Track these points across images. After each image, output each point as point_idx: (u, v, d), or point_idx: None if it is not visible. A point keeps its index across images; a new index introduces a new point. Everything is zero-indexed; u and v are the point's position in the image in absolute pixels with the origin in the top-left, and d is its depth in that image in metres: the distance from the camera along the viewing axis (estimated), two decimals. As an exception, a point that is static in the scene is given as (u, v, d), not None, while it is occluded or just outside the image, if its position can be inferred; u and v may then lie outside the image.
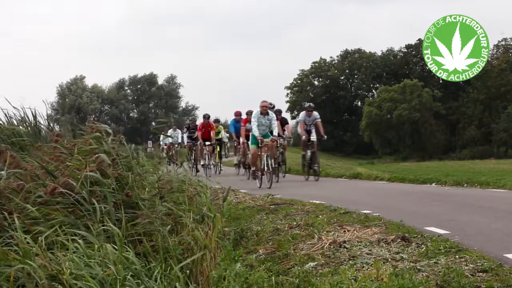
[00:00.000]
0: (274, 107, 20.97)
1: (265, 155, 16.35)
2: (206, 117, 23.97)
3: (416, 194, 13.10)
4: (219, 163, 24.65)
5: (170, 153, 29.91)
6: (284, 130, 20.11)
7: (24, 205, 5.89)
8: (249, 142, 17.59)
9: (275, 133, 16.96)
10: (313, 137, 19.22)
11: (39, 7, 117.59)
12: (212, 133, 23.72)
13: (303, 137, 19.25)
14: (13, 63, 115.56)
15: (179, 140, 30.35)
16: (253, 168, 17.05)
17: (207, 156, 23.33)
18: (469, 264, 5.98)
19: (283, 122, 20.34)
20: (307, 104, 20.56)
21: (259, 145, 16.61)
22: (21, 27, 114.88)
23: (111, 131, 7.54)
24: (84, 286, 4.81)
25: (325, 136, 19.42)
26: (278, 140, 17.93)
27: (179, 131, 30.96)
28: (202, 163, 23.47)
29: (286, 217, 9.80)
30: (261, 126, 16.75)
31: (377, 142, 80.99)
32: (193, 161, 23.83)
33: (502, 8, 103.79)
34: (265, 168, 16.31)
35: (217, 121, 26.06)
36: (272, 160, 16.50)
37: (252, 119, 16.90)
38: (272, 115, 16.97)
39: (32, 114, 9.52)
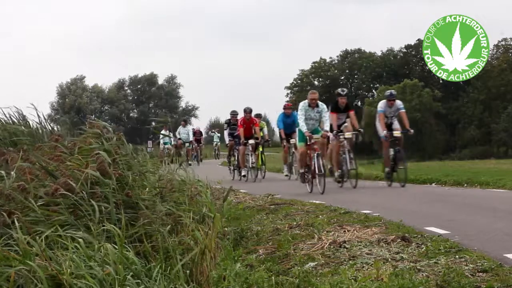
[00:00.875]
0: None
1: (315, 155, 14.17)
2: (248, 111, 20.59)
3: (416, 194, 13.10)
4: (262, 166, 21.41)
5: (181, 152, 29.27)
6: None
7: (28, 203, 5.89)
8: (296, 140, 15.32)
9: (327, 127, 14.72)
10: (397, 131, 15.54)
11: (39, 7, 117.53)
12: (256, 130, 20.56)
13: (384, 132, 15.47)
14: (13, 63, 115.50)
15: (191, 138, 30.06)
16: (301, 170, 14.87)
17: (250, 156, 20.06)
18: (469, 264, 5.98)
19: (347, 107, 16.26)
20: (387, 92, 16.20)
21: (308, 143, 14.43)
22: (21, 27, 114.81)
23: (111, 129, 7.54)
24: (84, 286, 4.81)
25: (412, 130, 15.43)
26: (343, 136, 15.37)
27: (189, 128, 30.48)
28: (245, 165, 20.15)
29: (286, 217, 9.81)
30: (310, 120, 14.67)
31: (377, 142, 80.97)
32: (236, 162, 20.87)
33: (502, 8, 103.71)
34: (316, 170, 14.12)
35: (259, 116, 22.34)
36: (324, 160, 14.36)
37: (299, 113, 14.69)
38: (322, 106, 14.77)
39: (37, 114, 9.50)
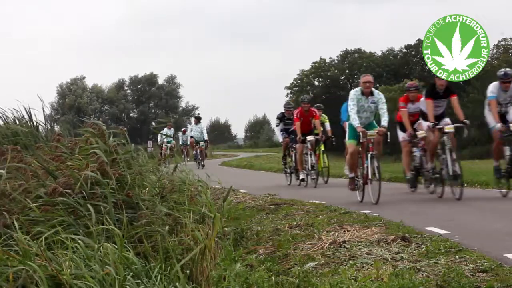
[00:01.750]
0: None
1: (369, 155, 11.59)
2: (306, 100, 17.08)
3: (416, 194, 13.09)
4: (325, 168, 17.92)
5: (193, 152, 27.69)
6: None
7: (26, 203, 5.89)
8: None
9: (384, 121, 11.63)
10: None
11: (39, 7, 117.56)
12: (316, 124, 16.96)
13: (498, 125, 11.80)
14: (13, 63, 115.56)
15: (205, 137, 27.66)
16: (351, 174, 12.03)
17: (309, 156, 16.42)
18: (469, 264, 5.98)
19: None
20: (501, 71, 11.85)
21: (360, 140, 11.70)
22: (21, 27, 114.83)
23: (110, 132, 7.53)
24: (84, 286, 4.81)
25: None
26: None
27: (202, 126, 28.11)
28: (303, 167, 16.64)
29: (286, 217, 9.81)
30: (363, 112, 11.83)
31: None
32: (293, 164, 17.40)
33: (502, 8, 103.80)
34: (369, 174, 11.45)
35: (319, 107, 18.37)
36: (379, 162, 11.71)
37: (349, 103, 11.82)
38: (379, 95, 11.87)
39: (43, 109, 9.49)
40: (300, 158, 16.59)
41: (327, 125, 18.29)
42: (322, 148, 17.81)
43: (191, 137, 28.15)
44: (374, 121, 12.03)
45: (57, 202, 6.07)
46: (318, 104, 18.79)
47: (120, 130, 7.51)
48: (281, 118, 17.88)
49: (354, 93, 11.84)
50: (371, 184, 11.43)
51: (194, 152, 27.99)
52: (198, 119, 29.09)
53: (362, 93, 11.82)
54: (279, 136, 18.16)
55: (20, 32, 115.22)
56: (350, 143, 11.94)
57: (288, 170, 17.92)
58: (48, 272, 4.86)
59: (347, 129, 11.94)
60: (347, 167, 13.77)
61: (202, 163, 27.40)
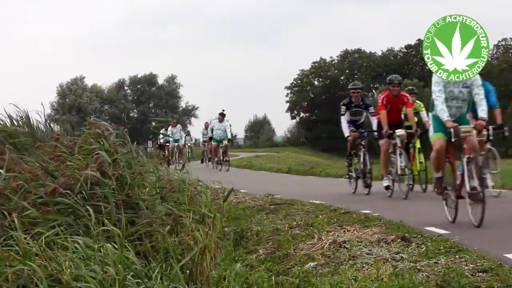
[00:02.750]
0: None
1: (464, 159, 8.53)
2: (396, 82, 12.87)
3: (416, 194, 13.09)
4: (421, 172, 13.64)
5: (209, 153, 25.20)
6: None
7: (24, 204, 5.89)
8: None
9: (482, 112, 8.73)
10: None
11: (39, 7, 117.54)
12: (408, 114, 12.90)
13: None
14: (13, 63, 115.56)
15: (229, 135, 24.67)
16: (438, 175, 8.91)
17: (399, 157, 12.41)
18: (469, 264, 5.98)
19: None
20: None
21: (452, 138, 8.62)
22: (21, 27, 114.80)
23: (112, 129, 7.54)
24: (84, 286, 4.81)
25: None
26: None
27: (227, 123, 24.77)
28: (388, 170, 12.69)
29: (286, 217, 9.81)
30: (453, 100, 8.90)
31: (377, 142, 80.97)
32: (361, 167, 13.52)
33: (502, 8, 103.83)
34: (467, 186, 8.36)
35: (411, 91, 14.01)
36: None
37: (434, 88, 8.71)
38: (475, 77, 8.84)
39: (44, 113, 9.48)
40: (385, 158, 12.85)
41: (423, 115, 13.79)
42: (418, 145, 13.52)
43: (211, 137, 24.87)
44: (466, 115, 9.17)
45: (57, 202, 6.07)
46: (410, 87, 14.52)
47: (121, 132, 7.51)
48: (347, 104, 13.85)
49: (438, 78, 8.83)
50: (470, 199, 8.30)
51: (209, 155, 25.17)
52: (222, 116, 25.04)
53: None
54: (345, 129, 13.76)
55: (20, 32, 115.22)
56: (434, 138, 8.84)
57: (354, 174, 13.85)
58: (48, 272, 4.86)
59: (430, 122, 9.08)
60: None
61: (227, 167, 24.23)
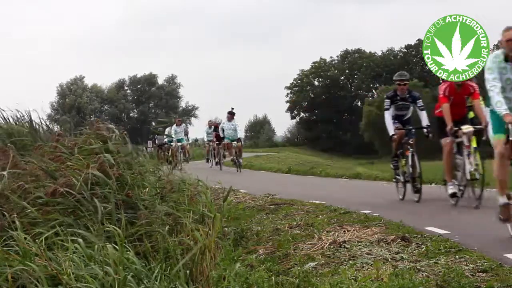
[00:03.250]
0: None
1: None
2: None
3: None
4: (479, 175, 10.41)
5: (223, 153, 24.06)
6: None
7: (24, 204, 5.89)
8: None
9: None
10: None
11: (39, 7, 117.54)
12: (475, 106, 10.74)
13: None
14: (12, 63, 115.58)
15: (239, 135, 23.68)
16: (502, 199, 7.34)
17: (467, 158, 10.44)
18: (469, 264, 5.98)
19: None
20: None
21: (510, 137, 7.11)
22: (21, 27, 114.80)
23: (115, 129, 7.54)
24: (84, 286, 4.81)
25: None
26: None
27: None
28: (453, 175, 10.87)
29: (286, 217, 9.81)
30: None
31: (377, 142, 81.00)
32: (409, 170, 11.70)
33: (502, 8, 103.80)
34: None
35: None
36: None
37: (488, 76, 7.25)
38: None
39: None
40: (449, 160, 10.98)
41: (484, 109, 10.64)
42: (474, 144, 10.71)
43: (223, 137, 23.82)
44: None
45: (58, 202, 6.07)
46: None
47: (121, 134, 7.51)
48: (393, 97, 12.15)
49: (493, 60, 7.41)
50: None
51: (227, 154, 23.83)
52: (232, 115, 23.77)
53: (506, 59, 7.39)
54: (389, 126, 11.92)
55: (20, 32, 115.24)
56: (495, 139, 7.28)
57: (402, 178, 12.12)
58: (48, 272, 4.86)
59: (489, 119, 7.59)
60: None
61: (239, 169, 23.48)
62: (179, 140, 26.14)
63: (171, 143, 25.68)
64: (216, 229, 6.63)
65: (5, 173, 6.39)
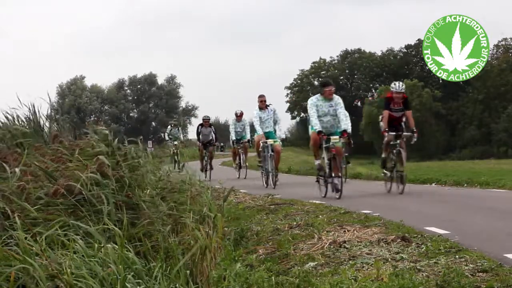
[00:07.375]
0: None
1: None
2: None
3: (416, 194, 13.10)
4: None
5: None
6: None
7: (25, 205, 5.90)
8: None
9: None
10: None
11: (39, 8, 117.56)
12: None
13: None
14: (12, 63, 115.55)
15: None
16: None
17: None
18: (469, 264, 5.98)
19: None
20: None
21: None
22: (21, 28, 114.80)
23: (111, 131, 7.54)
24: (84, 286, 4.81)
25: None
26: None
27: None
28: None
29: (286, 217, 9.80)
30: None
31: (377, 142, 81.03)
32: None
33: (502, 8, 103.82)
34: None
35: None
36: None
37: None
38: None
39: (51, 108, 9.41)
40: None
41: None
42: None
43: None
44: None
45: (58, 203, 6.08)
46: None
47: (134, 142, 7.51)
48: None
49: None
50: None
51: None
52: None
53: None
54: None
55: (20, 32, 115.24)
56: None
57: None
58: (49, 272, 4.86)
59: None
60: None
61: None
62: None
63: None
64: (218, 229, 6.64)
65: (17, 169, 6.39)
